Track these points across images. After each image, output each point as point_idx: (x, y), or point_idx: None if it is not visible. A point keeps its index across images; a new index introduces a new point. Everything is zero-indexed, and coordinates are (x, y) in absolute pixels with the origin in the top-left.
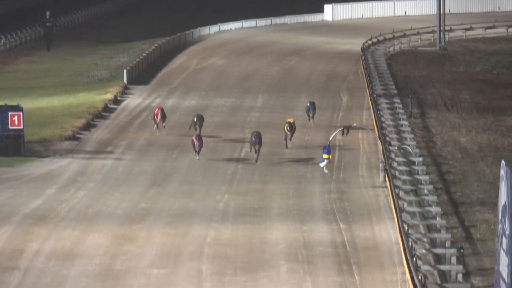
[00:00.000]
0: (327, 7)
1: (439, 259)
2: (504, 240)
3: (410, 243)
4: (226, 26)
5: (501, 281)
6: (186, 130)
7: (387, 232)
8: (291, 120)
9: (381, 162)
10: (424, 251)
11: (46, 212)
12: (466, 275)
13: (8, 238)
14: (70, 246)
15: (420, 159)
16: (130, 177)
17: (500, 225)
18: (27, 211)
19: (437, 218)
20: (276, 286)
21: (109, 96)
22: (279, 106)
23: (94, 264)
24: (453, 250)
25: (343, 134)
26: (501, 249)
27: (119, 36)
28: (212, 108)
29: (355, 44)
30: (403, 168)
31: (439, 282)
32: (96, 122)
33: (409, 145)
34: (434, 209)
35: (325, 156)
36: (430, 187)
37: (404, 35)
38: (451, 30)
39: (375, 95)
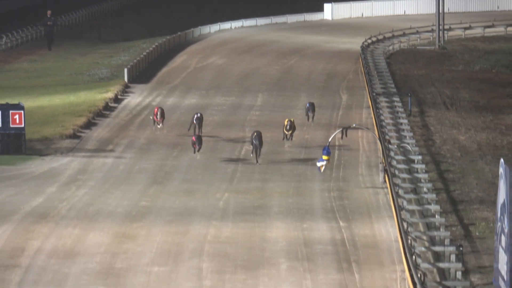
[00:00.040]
0: (327, 6)
1: (438, 257)
2: (503, 238)
3: (409, 241)
4: (226, 25)
5: (500, 279)
6: (186, 128)
7: (387, 230)
8: (290, 119)
9: (380, 163)
10: (423, 249)
11: (47, 210)
12: (465, 273)
13: (9, 236)
14: (71, 244)
15: (420, 157)
16: (131, 175)
17: (499, 223)
18: (28, 209)
19: (437, 216)
20: (276, 284)
21: (110, 94)
22: (279, 104)
23: (94, 262)
24: (452, 248)
25: (342, 137)
26: (500, 247)
27: (120, 35)
28: (212, 107)
29: (354, 43)
30: (402, 166)
31: (438, 280)
32: (97, 121)
33: (408, 144)
34: (434, 207)
35: (324, 157)
36: (429, 185)
37: (404, 34)
38: (450, 29)
39: (374, 94)
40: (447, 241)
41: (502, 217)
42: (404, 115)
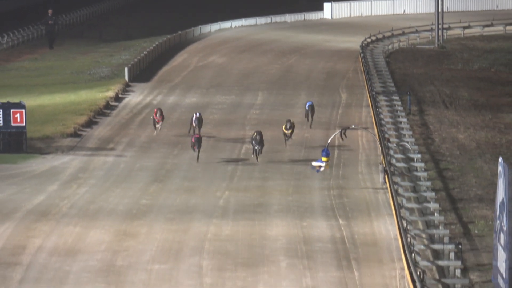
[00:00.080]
0: (327, 6)
1: (437, 254)
2: (502, 236)
3: (408, 239)
4: (226, 24)
5: (499, 277)
6: (186, 127)
7: (386, 228)
8: (289, 119)
9: (380, 163)
10: (422, 247)
11: (48, 209)
12: (464, 270)
13: (10, 234)
14: (72, 242)
15: (419, 155)
16: (132, 173)
17: (498, 221)
18: (30, 208)
19: (436, 214)
20: (276, 282)
21: (111, 93)
22: (279, 103)
23: (95, 259)
24: (451, 246)
25: (342, 137)
26: (499, 245)
27: (121, 34)
28: (212, 106)
29: (354, 42)
30: (401, 164)
31: (437, 277)
32: (98, 119)
33: (407, 142)
34: (433, 206)
35: (324, 159)
36: (429, 183)
37: (403, 33)
38: (449, 28)
39: (374, 93)
40: (446, 239)
41: (501, 215)
42: (403, 114)
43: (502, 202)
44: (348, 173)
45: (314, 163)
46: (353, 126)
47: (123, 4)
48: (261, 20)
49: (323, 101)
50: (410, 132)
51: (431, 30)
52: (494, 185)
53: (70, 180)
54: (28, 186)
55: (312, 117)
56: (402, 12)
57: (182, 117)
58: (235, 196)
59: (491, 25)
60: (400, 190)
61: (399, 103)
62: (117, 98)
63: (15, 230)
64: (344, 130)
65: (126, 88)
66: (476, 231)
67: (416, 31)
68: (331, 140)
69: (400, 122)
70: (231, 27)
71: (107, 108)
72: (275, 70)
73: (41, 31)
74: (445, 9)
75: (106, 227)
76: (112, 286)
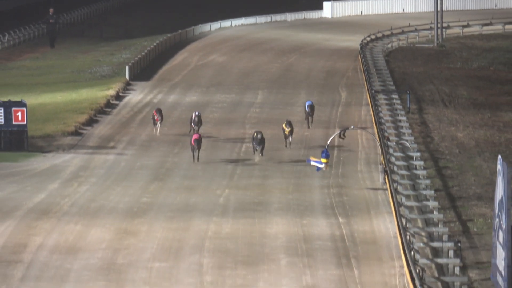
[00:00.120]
0: (326, 5)
1: (436, 252)
2: (501, 234)
3: (408, 237)
4: (226, 23)
5: (498, 274)
6: (187, 126)
7: (386, 226)
8: (288, 120)
9: (380, 164)
10: (422, 245)
11: (49, 207)
12: (463, 268)
13: (11, 232)
14: (73, 240)
15: (418, 154)
16: (132, 172)
17: (497, 219)
18: (31, 206)
19: (435, 212)
20: (276, 280)
21: (111, 92)
22: (279, 102)
23: (96, 258)
24: (450, 244)
25: (341, 138)
26: (497, 242)
27: (121, 33)
28: (212, 104)
29: (354, 41)
30: (401, 163)
31: (436, 275)
32: (99, 118)
33: (407, 141)
34: (432, 204)
35: (323, 160)
36: (428, 181)
37: (402, 32)
38: (448, 27)
39: (373, 91)
40: (445, 237)
41: (500, 213)
42: (402, 112)
43: (501, 200)
44: (348, 171)
45: (312, 162)
46: (352, 127)
47: (123, 3)
48: (261, 19)
49: (323, 99)
50: (410, 131)
51: (431, 29)
52: (493, 183)
53: (71, 178)
54: (29, 184)
55: (312, 117)
56: (402, 11)
57: (182, 115)
58: (235, 194)
59: (490, 24)
60: (400, 188)
61: (399, 101)
62: (118, 97)
63: (16, 228)
64: (343, 131)
65: (127, 87)
66: (475, 229)
67: (416, 30)
68: (330, 141)
69: (400, 121)
70: (231, 26)
71: (107, 107)
72: (275, 69)
73: (42, 30)
74: (444, 8)
75: (107, 225)
76: (113, 284)
